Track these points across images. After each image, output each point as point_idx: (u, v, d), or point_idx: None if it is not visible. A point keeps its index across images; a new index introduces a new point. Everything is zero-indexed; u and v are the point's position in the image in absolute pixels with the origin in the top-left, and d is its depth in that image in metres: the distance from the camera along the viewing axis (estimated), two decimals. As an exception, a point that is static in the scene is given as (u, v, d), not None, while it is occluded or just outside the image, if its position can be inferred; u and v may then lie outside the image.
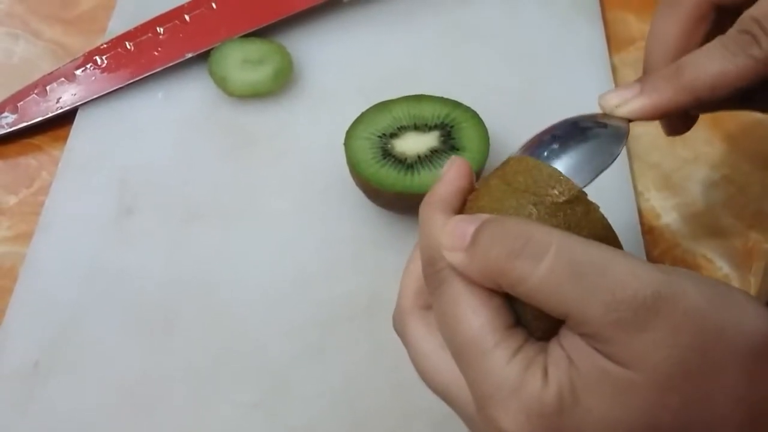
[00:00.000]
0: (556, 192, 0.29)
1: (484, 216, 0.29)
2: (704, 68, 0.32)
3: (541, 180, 0.30)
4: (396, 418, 0.41)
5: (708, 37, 0.34)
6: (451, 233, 0.29)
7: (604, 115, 0.34)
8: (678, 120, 0.38)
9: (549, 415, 0.26)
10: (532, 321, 0.28)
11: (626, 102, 0.33)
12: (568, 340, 0.27)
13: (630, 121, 0.33)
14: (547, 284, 0.26)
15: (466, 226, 0.29)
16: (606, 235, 0.29)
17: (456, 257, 0.28)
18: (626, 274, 0.26)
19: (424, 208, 0.31)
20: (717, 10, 0.34)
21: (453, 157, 0.33)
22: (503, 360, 0.27)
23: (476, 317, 0.28)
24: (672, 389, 0.25)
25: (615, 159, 0.32)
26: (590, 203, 0.30)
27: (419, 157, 0.45)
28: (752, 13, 0.32)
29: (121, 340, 0.44)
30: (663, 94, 0.32)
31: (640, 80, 0.33)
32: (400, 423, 0.41)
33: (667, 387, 0.25)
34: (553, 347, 0.27)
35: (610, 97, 0.33)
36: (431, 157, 0.44)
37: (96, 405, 0.42)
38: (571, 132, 0.33)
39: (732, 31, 0.32)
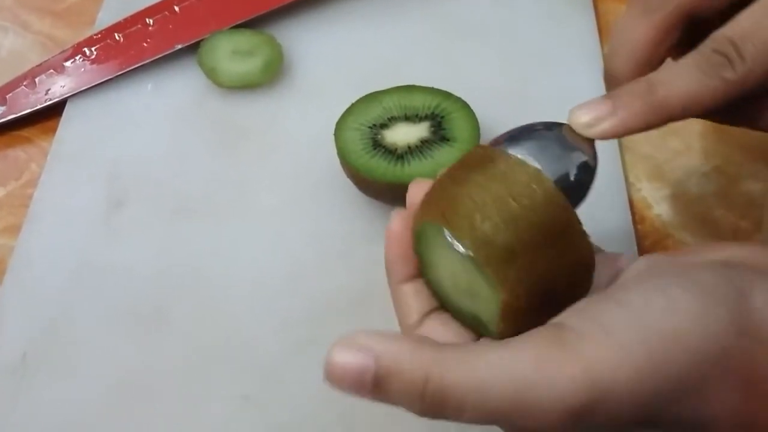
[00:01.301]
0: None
1: (378, 352, 0.26)
2: (677, 88, 0.31)
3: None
4: (386, 412, 0.40)
5: (674, 48, 0.34)
6: (345, 378, 0.26)
7: (570, 129, 0.32)
8: None
9: None
10: None
11: (598, 121, 0.31)
12: None
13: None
14: (475, 423, 0.26)
15: (357, 369, 0.26)
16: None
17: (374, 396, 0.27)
18: (547, 401, 0.25)
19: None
20: (690, 20, 0.34)
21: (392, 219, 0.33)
22: None
23: None
24: None
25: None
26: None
27: (409, 147, 0.44)
28: (727, 33, 0.31)
29: (111, 333, 0.43)
30: (635, 113, 0.31)
31: (610, 96, 0.32)
32: (390, 417, 0.40)
33: None
34: None
35: (581, 115, 0.32)
36: (421, 148, 0.44)
37: (84, 398, 0.41)
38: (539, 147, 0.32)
39: (706, 49, 0.31)
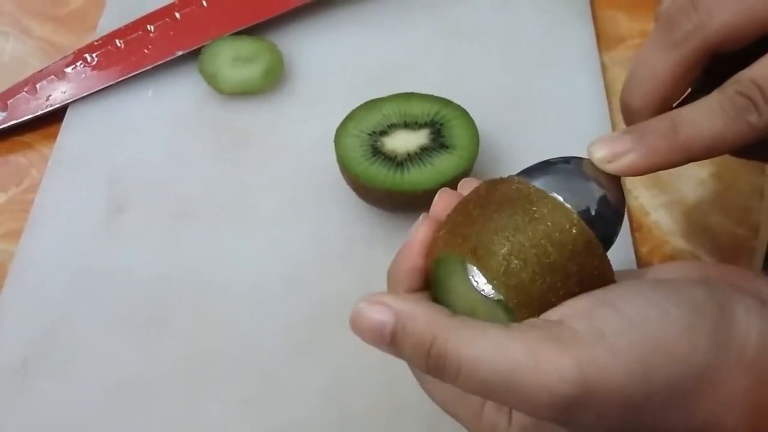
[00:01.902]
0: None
1: (398, 310, 0.29)
2: (701, 130, 0.30)
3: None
4: (386, 415, 0.41)
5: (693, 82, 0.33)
6: (367, 331, 0.29)
7: (592, 165, 0.32)
8: None
9: None
10: None
11: (617, 157, 0.31)
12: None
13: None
14: (469, 389, 0.28)
15: (379, 323, 0.29)
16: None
17: (383, 348, 0.30)
18: (535, 382, 0.26)
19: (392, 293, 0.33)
20: (714, 56, 0.32)
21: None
22: (475, 412, 0.32)
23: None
24: None
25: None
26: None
27: (409, 154, 0.45)
28: (753, 75, 0.30)
29: (111, 337, 0.44)
30: (657, 152, 0.31)
31: (631, 132, 0.31)
32: (389, 420, 0.41)
33: None
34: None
35: (599, 148, 0.31)
36: (421, 155, 0.45)
37: (85, 402, 0.42)
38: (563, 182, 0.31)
39: (730, 91, 0.30)
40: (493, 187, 0.31)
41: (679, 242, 0.47)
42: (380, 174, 0.44)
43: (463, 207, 0.31)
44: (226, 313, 0.44)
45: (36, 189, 0.50)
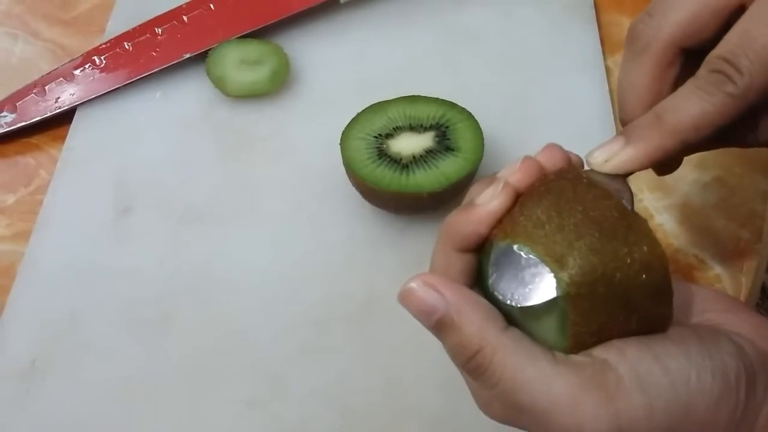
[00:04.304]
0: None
1: (451, 302, 0.29)
2: (684, 111, 0.31)
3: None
4: (389, 417, 0.41)
5: (678, 81, 0.34)
6: (419, 308, 0.29)
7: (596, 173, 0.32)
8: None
9: None
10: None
11: (613, 155, 0.32)
12: None
13: (626, 176, 0.32)
14: (495, 402, 0.29)
15: (429, 307, 0.29)
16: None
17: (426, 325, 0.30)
18: (569, 419, 0.27)
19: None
20: (683, 54, 0.34)
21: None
22: None
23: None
24: None
25: None
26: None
27: (414, 157, 0.45)
28: (718, 53, 0.32)
29: (118, 338, 0.44)
30: (649, 142, 0.32)
31: (622, 133, 0.33)
32: (393, 421, 0.41)
33: None
34: None
35: (597, 154, 0.32)
36: (426, 158, 0.45)
37: (92, 403, 0.42)
38: None
39: (702, 72, 0.32)
40: (587, 191, 0.30)
41: (683, 245, 0.47)
42: (386, 176, 0.44)
43: (552, 203, 0.30)
44: (231, 314, 0.45)
45: (45, 190, 0.50)
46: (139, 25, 0.56)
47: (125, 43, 0.56)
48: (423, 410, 0.41)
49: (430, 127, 0.46)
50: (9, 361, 0.43)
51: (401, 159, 0.45)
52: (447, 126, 0.46)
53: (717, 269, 0.46)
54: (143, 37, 0.56)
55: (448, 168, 0.44)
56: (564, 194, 0.30)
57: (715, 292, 0.33)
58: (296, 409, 0.41)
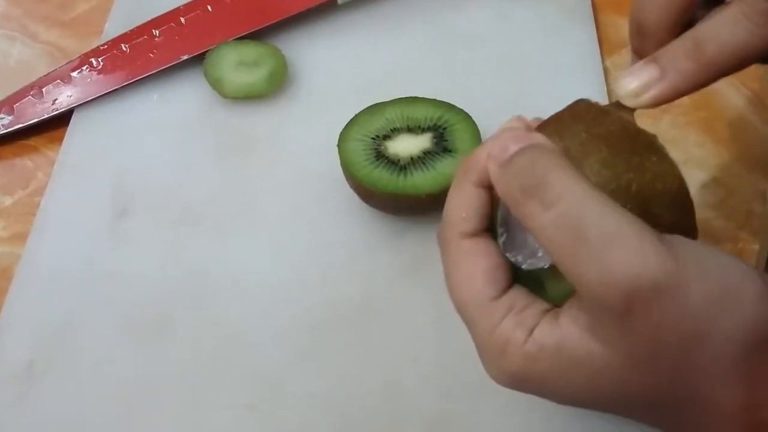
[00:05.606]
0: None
1: (535, 139, 0.28)
2: (726, 42, 0.29)
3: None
4: (388, 419, 0.41)
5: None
6: (497, 144, 0.29)
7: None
8: None
9: (521, 374, 0.28)
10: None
11: (648, 88, 0.30)
12: (569, 308, 0.27)
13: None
14: (549, 234, 0.26)
15: (510, 143, 0.28)
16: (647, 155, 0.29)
17: (491, 168, 0.29)
18: (632, 253, 0.25)
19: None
20: None
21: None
22: (492, 323, 0.28)
23: (472, 283, 0.29)
24: (641, 382, 0.26)
25: None
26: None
27: (412, 158, 0.45)
28: None
29: (116, 341, 0.44)
30: (686, 75, 0.29)
31: (654, 60, 0.30)
32: (392, 425, 0.41)
33: (636, 377, 0.26)
34: (557, 312, 0.28)
35: (627, 82, 0.30)
36: (424, 159, 0.45)
37: (90, 406, 0.42)
38: None
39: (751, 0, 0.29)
40: (586, 112, 0.30)
41: (681, 246, 0.47)
42: (383, 178, 0.44)
43: (554, 130, 0.30)
44: (229, 317, 0.45)
45: (42, 192, 0.50)
46: (137, 27, 0.56)
47: (123, 45, 0.56)
48: (422, 413, 0.41)
49: (428, 129, 0.46)
50: (6, 364, 0.43)
51: (399, 160, 0.45)
52: (445, 127, 0.46)
53: (715, 270, 0.46)
54: (140, 39, 0.56)
55: (446, 169, 0.44)
56: (562, 120, 0.30)
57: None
58: (296, 413, 0.41)
